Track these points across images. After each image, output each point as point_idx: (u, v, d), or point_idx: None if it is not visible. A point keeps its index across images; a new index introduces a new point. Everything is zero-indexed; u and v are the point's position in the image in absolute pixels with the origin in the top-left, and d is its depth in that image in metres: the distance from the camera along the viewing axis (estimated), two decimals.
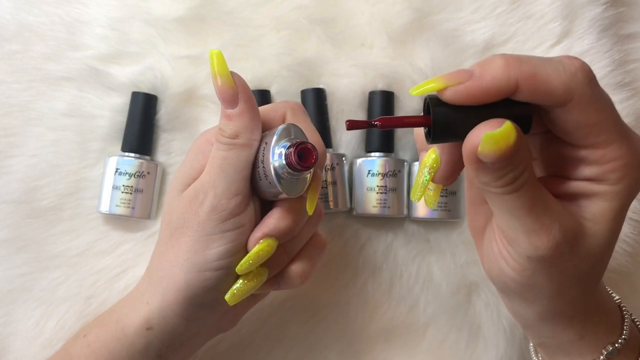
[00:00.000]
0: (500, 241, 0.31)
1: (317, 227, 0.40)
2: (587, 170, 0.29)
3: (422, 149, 0.32)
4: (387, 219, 0.50)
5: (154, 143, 0.50)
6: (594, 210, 0.30)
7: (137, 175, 0.47)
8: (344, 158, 0.49)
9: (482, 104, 0.28)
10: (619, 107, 0.50)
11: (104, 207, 0.47)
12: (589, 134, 0.28)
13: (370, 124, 0.29)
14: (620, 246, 0.48)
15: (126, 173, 0.47)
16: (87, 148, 0.49)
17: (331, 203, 0.48)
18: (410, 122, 0.30)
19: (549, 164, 0.32)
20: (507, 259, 0.31)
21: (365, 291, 0.49)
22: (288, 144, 0.34)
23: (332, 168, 0.48)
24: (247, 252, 0.37)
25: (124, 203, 0.47)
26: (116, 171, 0.47)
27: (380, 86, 0.50)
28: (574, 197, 0.30)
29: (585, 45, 0.51)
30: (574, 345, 0.34)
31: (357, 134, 0.50)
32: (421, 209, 0.49)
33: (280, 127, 0.35)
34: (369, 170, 0.48)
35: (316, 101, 0.49)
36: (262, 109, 0.38)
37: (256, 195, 0.38)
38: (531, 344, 0.40)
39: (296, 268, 0.39)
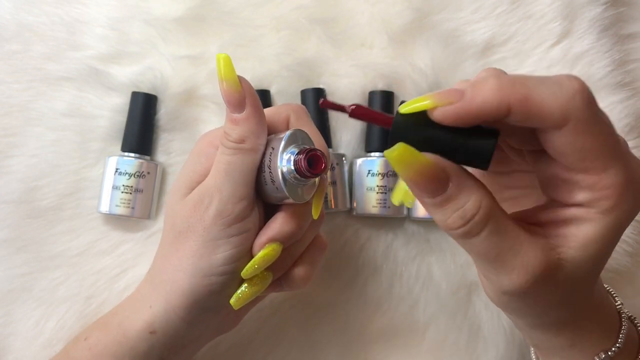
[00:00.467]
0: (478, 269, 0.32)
1: (319, 230, 0.40)
2: (579, 195, 0.28)
3: None
4: (387, 219, 0.50)
5: (154, 143, 0.50)
6: (580, 237, 0.28)
7: (137, 175, 0.47)
8: (344, 158, 0.49)
9: (471, 125, 0.27)
10: (619, 107, 0.50)
11: (104, 207, 0.47)
12: (584, 158, 0.27)
13: (342, 108, 0.29)
14: (620, 246, 0.48)
15: (126, 173, 0.47)
16: (87, 148, 0.49)
17: (331, 203, 0.48)
18: (378, 119, 0.29)
19: (542, 183, 0.31)
20: (485, 285, 0.31)
21: (365, 291, 0.49)
22: (296, 150, 0.34)
23: (332, 168, 0.48)
24: (251, 256, 0.37)
25: (124, 203, 0.47)
26: (116, 171, 0.47)
27: (380, 86, 0.50)
28: (562, 223, 0.29)
29: (585, 45, 0.51)
30: (565, 351, 0.34)
31: (357, 134, 0.50)
32: (421, 209, 0.49)
33: (288, 132, 0.35)
34: (369, 170, 0.48)
35: (316, 101, 0.49)
36: (266, 112, 0.38)
37: (260, 200, 0.38)
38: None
39: (299, 271, 0.39)
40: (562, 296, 0.30)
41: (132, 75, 0.49)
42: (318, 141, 0.37)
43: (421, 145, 0.27)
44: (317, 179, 0.36)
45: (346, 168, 0.49)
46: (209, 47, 0.50)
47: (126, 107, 0.49)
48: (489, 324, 0.49)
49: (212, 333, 0.41)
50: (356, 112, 0.29)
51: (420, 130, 0.27)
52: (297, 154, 0.34)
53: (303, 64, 0.50)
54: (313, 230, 0.39)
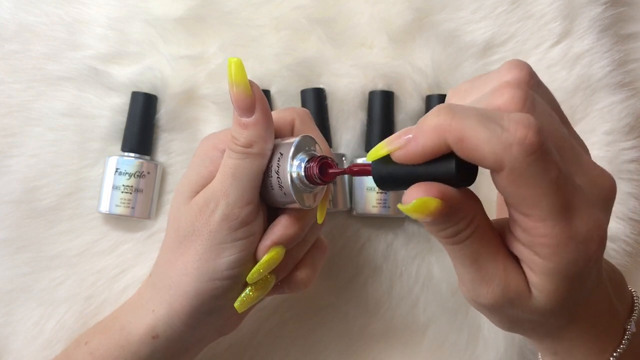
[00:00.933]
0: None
1: (320, 232, 0.40)
2: (520, 235, 0.27)
3: None
4: (387, 219, 0.50)
5: (154, 143, 0.50)
6: (532, 278, 0.28)
7: (137, 175, 0.47)
8: (344, 158, 0.49)
9: (429, 160, 0.27)
10: (619, 107, 0.50)
11: (104, 207, 0.47)
12: (521, 204, 0.26)
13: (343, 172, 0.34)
14: (620, 246, 0.48)
15: (126, 173, 0.47)
16: (87, 148, 0.49)
17: (331, 203, 0.48)
18: (359, 172, 0.33)
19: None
20: (462, 290, 0.31)
21: (365, 291, 0.49)
22: (306, 157, 0.35)
23: None
24: (255, 260, 0.37)
25: (123, 203, 0.47)
26: (116, 171, 0.47)
27: (380, 86, 0.50)
28: (520, 258, 0.29)
29: (585, 45, 0.51)
30: (550, 357, 0.34)
31: (357, 134, 0.50)
32: None
33: (297, 139, 0.35)
34: None
35: (316, 101, 0.49)
36: None
37: (263, 203, 0.38)
38: None
39: (301, 274, 0.39)
40: (530, 320, 0.30)
41: (132, 75, 0.49)
42: (324, 147, 0.38)
43: (402, 179, 0.28)
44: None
45: None
46: (209, 47, 0.50)
47: (126, 107, 0.49)
48: (489, 324, 0.49)
49: (214, 335, 0.41)
50: (349, 171, 0.33)
51: (397, 168, 0.28)
52: (308, 161, 0.34)
53: (303, 64, 0.50)
54: (315, 233, 0.39)
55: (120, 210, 0.47)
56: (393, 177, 0.29)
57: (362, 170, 0.32)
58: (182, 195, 0.38)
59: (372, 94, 0.50)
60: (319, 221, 0.37)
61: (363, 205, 0.48)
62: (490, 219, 0.30)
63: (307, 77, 0.50)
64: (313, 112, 0.49)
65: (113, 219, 0.48)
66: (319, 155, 0.35)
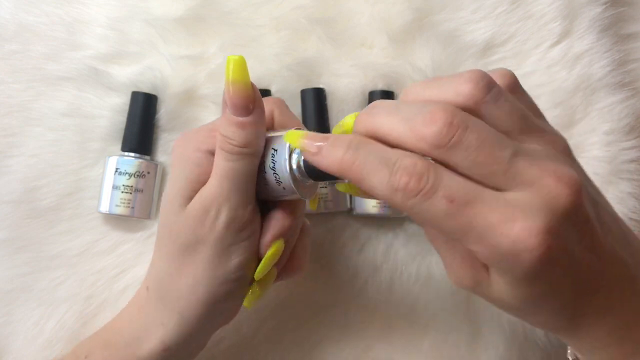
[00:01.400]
0: None
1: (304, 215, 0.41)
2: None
3: None
4: (387, 219, 0.50)
5: (154, 143, 0.50)
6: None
7: (137, 175, 0.47)
8: None
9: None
10: (619, 107, 0.50)
11: (104, 207, 0.47)
12: (433, 240, 0.33)
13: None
14: None
15: (126, 173, 0.47)
16: (87, 148, 0.49)
17: (331, 203, 0.48)
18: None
19: None
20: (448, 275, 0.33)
21: (365, 291, 0.49)
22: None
23: None
24: (258, 256, 0.37)
25: (123, 203, 0.47)
26: (116, 171, 0.47)
27: (380, 86, 0.50)
28: None
29: (585, 45, 0.51)
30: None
31: None
32: None
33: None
34: None
35: (316, 101, 0.49)
36: None
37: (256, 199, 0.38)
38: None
39: (297, 259, 0.40)
40: (506, 308, 0.31)
41: (132, 75, 0.49)
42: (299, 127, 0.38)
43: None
44: None
45: None
46: (209, 47, 0.50)
47: (126, 107, 0.49)
48: (489, 324, 0.49)
49: (215, 330, 0.42)
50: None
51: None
52: None
53: (303, 64, 0.50)
54: (302, 218, 0.40)
55: (120, 210, 0.47)
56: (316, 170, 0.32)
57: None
58: (174, 204, 0.36)
59: (372, 94, 0.50)
60: (314, 208, 0.40)
61: (363, 205, 0.48)
62: None
63: (307, 77, 0.50)
64: (313, 112, 0.49)
65: (113, 219, 0.48)
66: None
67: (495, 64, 0.51)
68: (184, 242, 0.36)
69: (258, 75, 0.50)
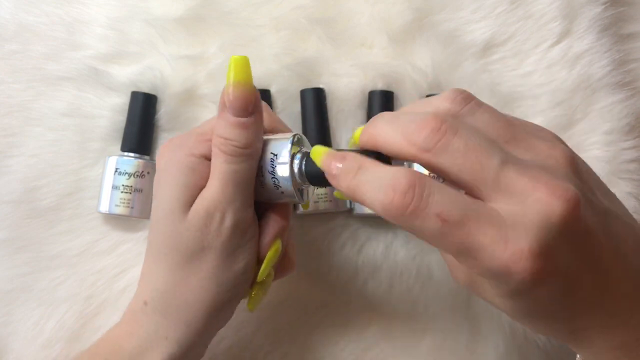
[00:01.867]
0: None
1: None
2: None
3: None
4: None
5: (154, 143, 0.50)
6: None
7: (137, 175, 0.47)
8: None
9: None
10: (619, 107, 0.50)
11: (104, 207, 0.47)
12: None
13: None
14: None
15: (126, 173, 0.47)
16: (87, 148, 0.49)
17: (331, 203, 0.48)
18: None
19: None
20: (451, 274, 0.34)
21: (365, 291, 0.49)
22: (300, 155, 0.35)
23: None
24: (259, 257, 0.37)
25: (123, 203, 0.47)
26: (116, 171, 0.47)
27: (380, 86, 0.50)
28: None
29: (585, 45, 0.51)
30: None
31: None
32: None
33: (290, 138, 0.35)
34: None
35: (316, 101, 0.49)
36: None
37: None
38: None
39: (289, 258, 0.40)
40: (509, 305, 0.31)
41: (132, 75, 0.49)
42: (287, 130, 0.39)
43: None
44: None
45: None
46: (209, 47, 0.50)
47: (126, 107, 0.49)
48: (489, 324, 0.49)
49: (214, 335, 0.41)
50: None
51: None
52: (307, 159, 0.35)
53: (303, 64, 0.50)
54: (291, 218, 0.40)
55: (120, 210, 0.47)
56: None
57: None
58: (174, 212, 0.35)
59: (372, 93, 0.50)
60: (306, 208, 0.43)
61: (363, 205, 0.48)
62: None
63: (307, 77, 0.50)
64: (313, 112, 0.49)
65: (113, 219, 0.48)
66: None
67: (495, 64, 0.51)
68: (189, 250, 0.35)
69: (258, 75, 0.50)
